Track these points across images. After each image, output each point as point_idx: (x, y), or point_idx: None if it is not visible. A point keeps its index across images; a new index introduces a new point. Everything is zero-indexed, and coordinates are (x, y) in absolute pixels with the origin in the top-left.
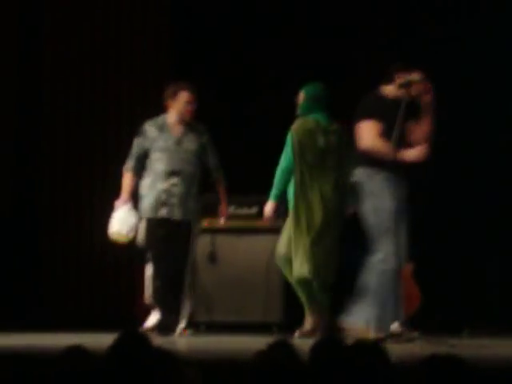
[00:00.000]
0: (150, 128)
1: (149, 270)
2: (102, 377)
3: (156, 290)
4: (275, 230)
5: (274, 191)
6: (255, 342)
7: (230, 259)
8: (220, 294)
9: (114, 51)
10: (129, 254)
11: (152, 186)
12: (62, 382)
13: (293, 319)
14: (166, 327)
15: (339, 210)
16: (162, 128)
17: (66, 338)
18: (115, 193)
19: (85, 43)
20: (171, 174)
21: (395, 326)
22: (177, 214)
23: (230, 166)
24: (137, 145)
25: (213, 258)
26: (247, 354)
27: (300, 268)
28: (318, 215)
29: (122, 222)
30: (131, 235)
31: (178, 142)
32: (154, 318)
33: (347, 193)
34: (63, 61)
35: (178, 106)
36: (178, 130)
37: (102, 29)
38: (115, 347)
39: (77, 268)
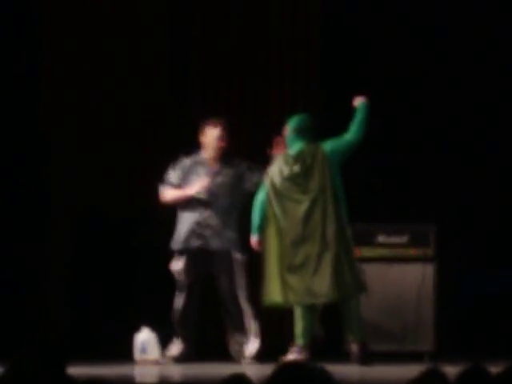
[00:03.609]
0: (185, 160)
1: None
2: None
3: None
4: (426, 259)
5: (252, 225)
6: (407, 371)
7: (381, 288)
8: (370, 322)
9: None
10: None
11: (183, 219)
12: None
13: (444, 348)
14: (182, 358)
15: (325, 231)
16: (197, 163)
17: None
18: None
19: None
20: (205, 206)
21: None
22: (212, 244)
23: (379, 194)
24: (171, 175)
25: (363, 287)
26: (400, 382)
27: (271, 294)
28: (288, 241)
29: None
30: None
31: (211, 176)
32: (175, 347)
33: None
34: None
35: (207, 143)
36: (211, 165)
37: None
38: (275, 377)
39: None
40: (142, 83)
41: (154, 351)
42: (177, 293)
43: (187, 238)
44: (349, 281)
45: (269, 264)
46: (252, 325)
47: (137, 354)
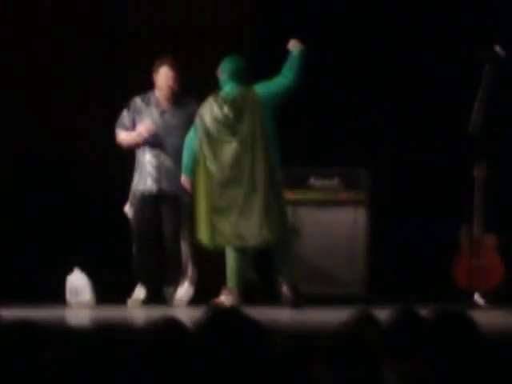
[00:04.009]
0: (137, 101)
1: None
2: (197, 350)
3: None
4: (358, 202)
5: (183, 165)
6: (338, 314)
7: (313, 231)
8: (302, 265)
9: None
10: None
11: (138, 160)
12: (160, 354)
13: (376, 291)
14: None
15: (254, 174)
16: (149, 102)
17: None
18: None
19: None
20: (155, 146)
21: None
22: (163, 186)
23: (312, 138)
24: (125, 116)
25: (295, 230)
26: (331, 325)
27: (201, 236)
28: (215, 183)
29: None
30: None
31: (161, 115)
32: (140, 292)
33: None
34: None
35: (159, 82)
36: (163, 104)
37: None
38: (208, 320)
39: None
40: (78, 26)
41: (85, 293)
42: (133, 239)
43: (146, 182)
44: (278, 224)
45: (197, 206)
46: (190, 270)
47: (69, 297)
